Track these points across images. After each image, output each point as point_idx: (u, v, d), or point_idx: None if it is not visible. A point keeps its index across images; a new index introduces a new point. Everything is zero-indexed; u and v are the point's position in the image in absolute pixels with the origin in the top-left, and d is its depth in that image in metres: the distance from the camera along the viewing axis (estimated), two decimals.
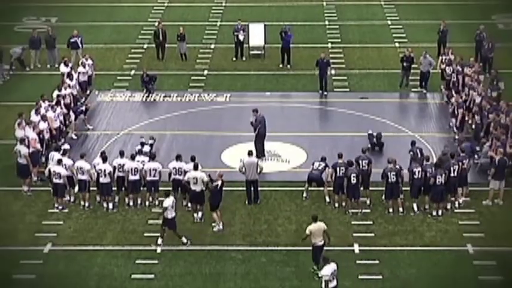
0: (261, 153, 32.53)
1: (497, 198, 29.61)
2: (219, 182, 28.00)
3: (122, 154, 29.84)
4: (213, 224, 28.14)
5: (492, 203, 29.49)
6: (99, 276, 25.81)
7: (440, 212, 28.78)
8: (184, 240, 27.17)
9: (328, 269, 23.44)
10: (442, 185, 28.57)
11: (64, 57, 39.48)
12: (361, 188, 29.30)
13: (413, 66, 39.00)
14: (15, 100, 37.80)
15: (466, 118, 34.16)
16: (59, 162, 29.34)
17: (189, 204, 28.97)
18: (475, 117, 33.51)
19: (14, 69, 41.51)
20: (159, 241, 27.14)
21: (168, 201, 26.86)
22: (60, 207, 29.26)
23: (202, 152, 32.54)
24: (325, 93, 38.40)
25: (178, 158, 29.42)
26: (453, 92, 35.85)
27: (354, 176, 28.70)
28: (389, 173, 28.69)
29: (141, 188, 29.53)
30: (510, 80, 37.94)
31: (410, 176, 28.98)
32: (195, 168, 28.50)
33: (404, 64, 38.95)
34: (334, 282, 23.58)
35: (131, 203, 29.48)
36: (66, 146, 31.13)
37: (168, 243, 27.21)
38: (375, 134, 33.66)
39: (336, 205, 29.31)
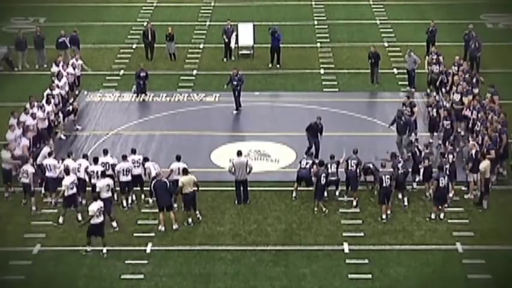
0: (238, 104, 36.90)
1: (476, 190, 29.72)
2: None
3: (105, 152, 29.83)
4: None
5: (474, 196, 29.66)
6: (89, 277, 25.74)
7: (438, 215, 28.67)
8: None
9: (95, 206, 26.31)
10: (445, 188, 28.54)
11: (59, 55, 39.40)
12: (349, 189, 29.44)
13: (404, 64, 39.18)
14: (2, 101, 37.67)
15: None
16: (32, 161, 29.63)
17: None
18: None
19: (1, 70, 41.38)
20: None
21: None
22: (34, 208, 29.09)
23: (192, 152, 32.54)
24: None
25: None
26: (441, 91, 35.96)
27: (354, 163, 29.37)
28: (383, 177, 28.57)
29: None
30: (498, 78, 38.04)
31: (379, 183, 28.86)
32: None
33: (372, 61, 39.44)
34: (101, 218, 26.44)
35: (125, 203, 29.38)
36: (46, 149, 30.93)
37: (158, 244, 27.19)
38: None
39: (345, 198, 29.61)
